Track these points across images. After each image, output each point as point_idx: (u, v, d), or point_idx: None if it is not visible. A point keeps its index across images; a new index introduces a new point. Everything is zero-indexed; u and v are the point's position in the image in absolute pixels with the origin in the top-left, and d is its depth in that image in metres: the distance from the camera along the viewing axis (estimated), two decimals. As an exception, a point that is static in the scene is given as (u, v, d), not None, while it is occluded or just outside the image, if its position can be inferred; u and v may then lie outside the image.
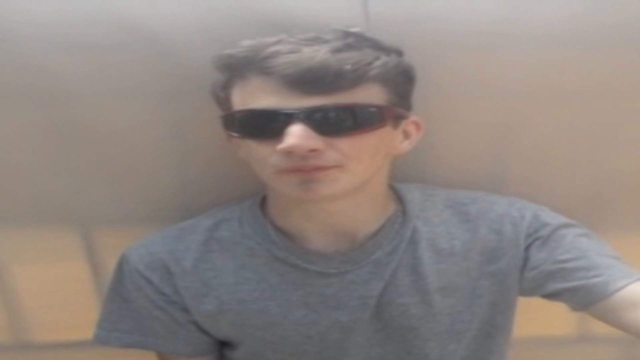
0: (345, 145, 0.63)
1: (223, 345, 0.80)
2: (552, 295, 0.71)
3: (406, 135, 0.70)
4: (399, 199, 0.75)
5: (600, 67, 0.75)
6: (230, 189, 0.80)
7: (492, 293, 0.74)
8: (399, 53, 0.68)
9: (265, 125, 0.62)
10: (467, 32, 0.73)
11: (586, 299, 0.67)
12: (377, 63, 0.63)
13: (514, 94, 0.76)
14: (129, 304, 0.76)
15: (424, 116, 0.75)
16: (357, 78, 0.62)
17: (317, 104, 0.61)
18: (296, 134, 0.60)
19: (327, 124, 0.61)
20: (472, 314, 0.75)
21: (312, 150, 0.61)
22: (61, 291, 0.86)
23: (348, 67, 0.61)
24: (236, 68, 0.64)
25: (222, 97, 0.67)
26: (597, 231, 0.84)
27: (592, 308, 0.67)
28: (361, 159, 0.64)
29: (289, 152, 0.61)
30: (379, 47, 0.65)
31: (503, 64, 0.74)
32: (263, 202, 0.75)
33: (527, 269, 0.72)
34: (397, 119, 0.67)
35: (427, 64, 0.73)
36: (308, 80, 0.60)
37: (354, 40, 0.63)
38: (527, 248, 0.72)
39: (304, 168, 0.62)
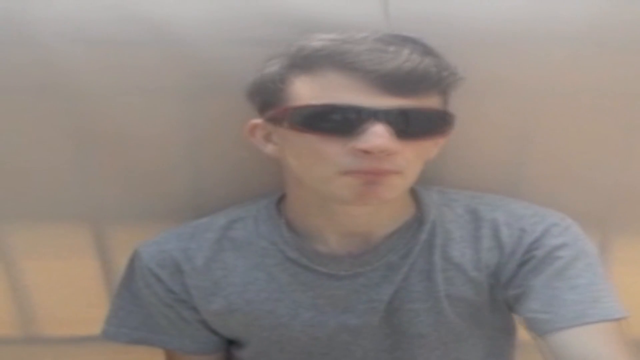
0: (412, 150, 0.62)
1: (231, 344, 0.80)
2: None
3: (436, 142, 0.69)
4: (417, 201, 0.74)
5: (622, 67, 0.74)
6: (244, 187, 0.80)
7: (495, 300, 0.73)
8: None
9: (344, 121, 0.60)
10: (488, 31, 0.72)
11: (533, 330, 0.68)
12: (450, 71, 0.63)
13: (534, 93, 0.75)
14: (138, 300, 0.76)
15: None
16: (435, 83, 0.62)
17: (398, 104, 0.60)
18: (381, 134, 0.59)
19: (405, 126, 0.61)
20: (476, 322, 0.74)
21: (390, 154, 0.60)
22: (71, 287, 0.86)
23: (433, 70, 0.61)
24: (315, 59, 0.61)
25: (275, 89, 0.65)
26: (615, 235, 0.84)
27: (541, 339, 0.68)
28: (417, 165, 0.64)
29: (366, 152, 0.60)
30: (434, 54, 0.64)
31: (523, 63, 0.73)
32: (279, 202, 0.75)
33: (511, 285, 0.71)
34: None
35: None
36: (394, 79, 0.59)
37: (423, 46, 0.63)
38: (520, 264, 0.70)
39: (372, 171, 0.61)
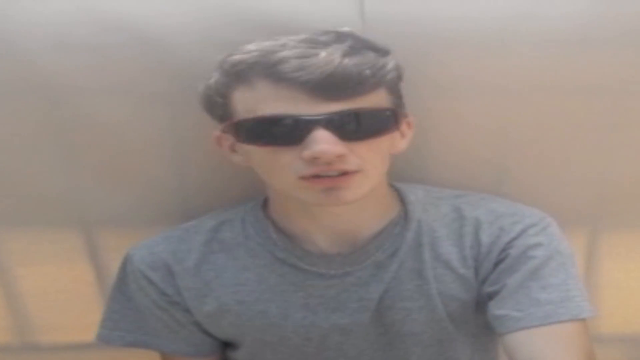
0: (364, 149, 0.62)
1: (226, 346, 0.81)
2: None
3: (402, 134, 0.70)
4: (401, 200, 0.74)
5: (605, 64, 0.74)
6: (232, 190, 0.80)
7: (480, 297, 0.73)
8: (389, 52, 0.67)
9: (286, 131, 0.61)
10: (465, 31, 0.73)
11: (502, 328, 0.68)
12: (388, 67, 0.63)
13: (514, 92, 0.76)
14: (132, 303, 0.76)
15: (423, 116, 0.75)
16: (375, 83, 0.62)
17: (337, 109, 0.60)
18: (323, 140, 0.59)
19: (348, 129, 0.61)
20: (464, 320, 0.74)
21: (338, 156, 0.60)
22: (65, 292, 0.87)
23: (368, 72, 0.61)
24: (243, 73, 0.62)
25: (219, 103, 0.66)
26: (600, 230, 0.84)
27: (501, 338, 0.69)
28: (377, 162, 0.64)
29: (315, 159, 0.60)
30: (373, 48, 0.64)
31: (502, 63, 0.74)
32: (265, 204, 0.75)
33: (487, 282, 0.71)
34: (401, 120, 0.68)
35: (425, 63, 0.73)
36: (328, 86, 0.59)
37: (353, 43, 0.62)
38: (496, 263, 0.71)
39: (328, 174, 0.61)
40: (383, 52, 0.65)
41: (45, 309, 0.88)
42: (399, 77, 0.67)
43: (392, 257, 0.71)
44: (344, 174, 0.62)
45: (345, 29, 0.65)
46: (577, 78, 0.75)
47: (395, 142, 0.69)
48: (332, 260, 0.71)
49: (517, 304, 0.68)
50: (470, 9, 0.72)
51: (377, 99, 0.63)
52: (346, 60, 0.60)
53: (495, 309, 0.69)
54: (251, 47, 0.62)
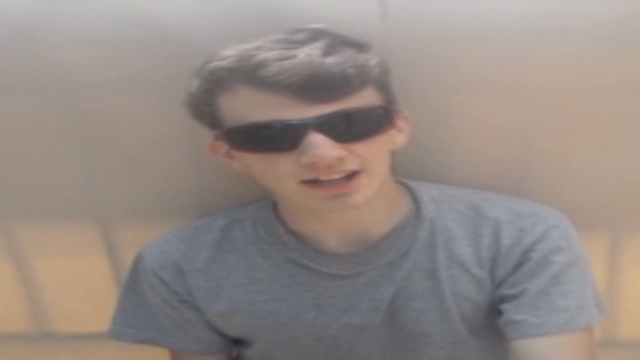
0: (362, 149, 0.61)
1: (237, 343, 0.81)
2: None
3: (398, 129, 0.68)
4: (413, 198, 0.73)
5: (629, 63, 0.72)
6: (248, 185, 0.79)
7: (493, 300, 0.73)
8: (369, 46, 0.63)
9: (278, 137, 0.59)
10: (487, 28, 0.71)
11: (518, 332, 0.68)
12: (372, 63, 0.61)
13: (535, 90, 0.74)
14: (143, 300, 0.76)
15: (442, 114, 0.73)
16: (361, 81, 0.60)
17: (327, 111, 0.58)
18: (319, 145, 0.57)
19: (341, 131, 0.59)
20: (481, 322, 0.73)
21: (338, 159, 0.59)
22: (81, 284, 0.88)
23: (351, 70, 0.58)
24: (223, 80, 0.60)
25: (206, 112, 0.63)
26: (622, 232, 0.82)
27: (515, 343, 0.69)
28: (377, 160, 0.63)
29: (313, 164, 0.59)
30: (350, 43, 0.61)
31: (525, 60, 0.72)
32: (275, 203, 0.74)
33: (505, 284, 0.70)
34: (396, 116, 0.66)
35: (446, 58, 0.71)
36: (313, 87, 0.57)
37: (331, 40, 0.60)
38: (517, 265, 0.70)
39: (330, 177, 0.60)
40: (362, 47, 0.62)
41: (61, 300, 0.89)
42: (385, 72, 0.64)
43: (404, 256, 0.70)
44: (348, 177, 0.60)
45: (319, 25, 0.62)
46: (600, 77, 0.73)
47: (394, 139, 0.67)
48: (344, 261, 0.71)
49: (536, 310, 0.68)
50: (493, 6, 0.70)
51: (366, 98, 0.61)
52: (328, 60, 0.57)
53: (513, 313, 0.69)
54: (227, 52, 0.60)
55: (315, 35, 0.60)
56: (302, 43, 0.59)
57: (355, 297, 0.71)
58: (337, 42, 0.60)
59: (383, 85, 0.64)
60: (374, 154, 0.62)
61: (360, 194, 0.61)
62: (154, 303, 0.75)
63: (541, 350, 0.68)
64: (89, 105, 0.76)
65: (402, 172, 0.73)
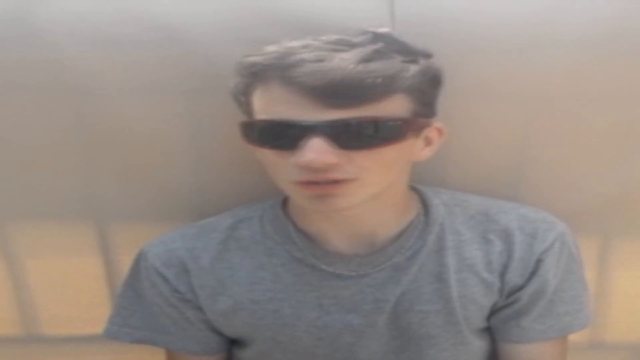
0: (364, 158, 0.61)
1: (233, 344, 0.80)
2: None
3: (428, 141, 0.68)
4: (423, 203, 0.74)
5: (625, 71, 0.75)
6: (247, 188, 0.80)
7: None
8: (428, 56, 0.65)
9: (284, 136, 0.60)
10: (493, 34, 0.73)
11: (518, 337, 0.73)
12: (407, 74, 0.61)
13: (537, 97, 0.76)
14: (142, 300, 0.76)
15: (445, 119, 0.74)
16: (386, 91, 0.60)
17: (339, 117, 0.59)
18: (313, 149, 0.58)
19: (348, 137, 0.59)
20: (483, 324, 0.75)
21: (331, 164, 0.59)
22: (74, 286, 0.86)
23: (379, 80, 0.58)
24: (259, 74, 0.61)
25: (243, 102, 0.66)
26: (616, 238, 0.85)
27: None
28: (378, 171, 0.62)
29: (306, 166, 0.59)
30: (408, 51, 0.63)
31: (528, 67, 0.74)
32: (285, 203, 0.75)
33: (517, 289, 0.72)
34: (420, 128, 0.66)
35: (451, 66, 0.72)
36: (332, 92, 0.58)
37: (384, 45, 0.61)
38: (532, 273, 0.71)
39: (318, 181, 0.61)
40: (418, 55, 0.63)
41: (52, 302, 0.88)
42: (428, 83, 0.64)
43: (411, 259, 0.71)
44: (335, 182, 0.61)
45: (383, 29, 0.63)
46: (599, 85, 0.75)
47: (416, 150, 0.67)
48: (350, 261, 0.71)
49: (541, 317, 0.72)
50: (500, 12, 0.72)
51: (392, 106, 0.61)
52: (360, 67, 0.58)
53: (519, 319, 0.72)
54: (271, 48, 0.61)
55: (372, 39, 0.61)
56: (353, 46, 0.60)
57: (358, 298, 0.71)
58: (390, 48, 0.61)
59: (420, 96, 0.63)
60: (375, 165, 0.62)
61: (344, 198, 0.62)
62: (154, 302, 0.75)
63: (534, 351, 0.73)
64: (86, 104, 0.76)
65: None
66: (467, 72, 0.74)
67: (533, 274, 0.71)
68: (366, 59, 0.59)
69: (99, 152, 0.79)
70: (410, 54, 0.63)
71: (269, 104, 0.61)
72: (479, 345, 0.76)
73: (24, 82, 0.74)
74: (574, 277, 0.73)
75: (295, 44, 0.61)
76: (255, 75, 0.62)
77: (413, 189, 0.75)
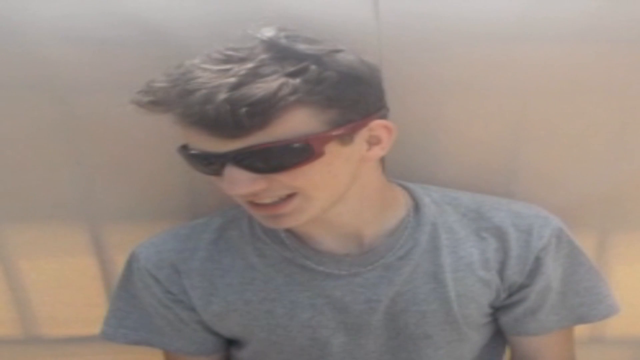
0: (290, 178, 0.59)
1: (231, 344, 0.80)
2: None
3: (375, 140, 0.63)
4: (413, 200, 0.73)
5: (617, 63, 0.74)
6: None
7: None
8: (333, 53, 0.59)
9: (207, 164, 0.60)
10: (479, 28, 0.72)
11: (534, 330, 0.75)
12: (286, 90, 0.55)
13: (527, 89, 0.75)
14: (137, 301, 0.76)
15: (434, 114, 0.74)
16: (269, 114, 0.55)
17: (241, 146, 0.56)
18: (231, 180, 0.58)
19: (260, 162, 0.57)
20: (482, 320, 0.75)
21: (251, 193, 0.59)
22: (69, 286, 0.87)
23: (243, 110, 0.53)
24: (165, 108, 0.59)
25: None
26: (610, 231, 0.84)
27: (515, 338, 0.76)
28: (317, 185, 0.60)
29: (232, 195, 0.59)
30: (297, 57, 0.57)
31: (515, 60, 0.73)
32: None
33: (521, 286, 0.73)
34: (347, 135, 0.60)
35: (438, 60, 0.72)
36: (216, 126, 0.55)
37: (270, 56, 0.56)
38: (532, 270, 0.71)
39: (261, 200, 0.61)
40: (306, 60, 0.57)
41: (48, 303, 0.88)
42: (334, 86, 0.57)
43: (403, 259, 0.71)
44: (282, 199, 0.60)
45: (269, 32, 0.58)
46: (592, 76, 0.74)
47: (362, 153, 0.62)
48: (341, 261, 0.71)
49: (554, 308, 0.74)
50: (485, 8, 0.71)
51: (291, 124, 0.56)
52: (233, 95, 0.53)
53: (536, 314, 0.73)
54: (159, 80, 0.59)
55: (261, 49, 0.57)
56: (240, 61, 0.56)
57: (350, 298, 0.71)
58: (277, 57, 0.56)
59: (328, 103, 0.57)
60: (304, 182, 0.59)
61: (291, 216, 0.62)
62: (148, 303, 0.75)
63: (546, 341, 0.75)
64: (79, 105, 0.75)
65: (389, 173, 0.73)
66: (454, 65, 0.73)
67: (535, 272, 0.71)
68: (239, 84, 0.54)
69: (93, 152, 0.79)
70: (300, 59, 0.57)
71: (186, 134, 0.60)
72: (477, 340, 0.76)
73: (13, 82, 0.74)
74: (584, 269, 0.73)
75: (183, 70, 0.57)
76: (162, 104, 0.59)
77: (401, 186, 0.74)
